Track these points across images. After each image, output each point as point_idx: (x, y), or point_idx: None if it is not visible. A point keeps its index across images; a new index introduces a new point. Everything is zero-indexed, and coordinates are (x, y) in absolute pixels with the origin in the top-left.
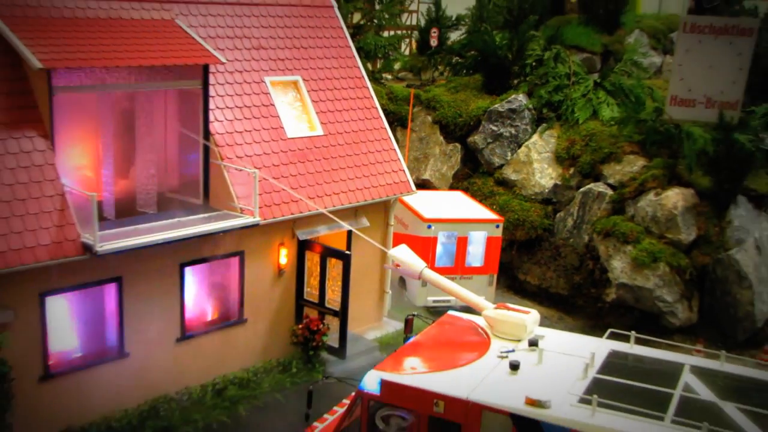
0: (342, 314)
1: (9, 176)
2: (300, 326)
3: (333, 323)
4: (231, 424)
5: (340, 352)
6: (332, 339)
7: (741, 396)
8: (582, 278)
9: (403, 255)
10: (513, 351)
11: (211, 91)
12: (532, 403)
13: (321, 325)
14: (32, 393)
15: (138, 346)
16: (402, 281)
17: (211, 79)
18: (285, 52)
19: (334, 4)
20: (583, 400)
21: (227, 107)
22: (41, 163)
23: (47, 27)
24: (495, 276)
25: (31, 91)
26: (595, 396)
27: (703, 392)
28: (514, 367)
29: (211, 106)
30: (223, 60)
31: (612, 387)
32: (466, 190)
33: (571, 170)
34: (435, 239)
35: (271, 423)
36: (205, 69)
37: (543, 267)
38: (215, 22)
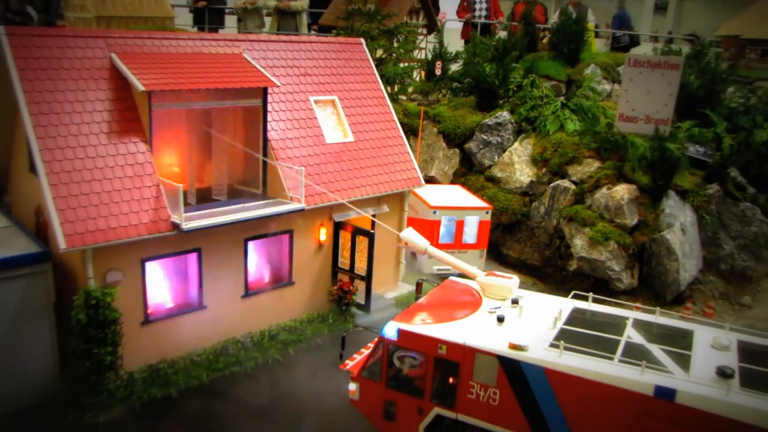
0: (367, 278)
1: (119, 171)
2: (335, 287)
3: (360, 286)
4: (283, 361)
5: (365, 307)
6: (360, 298)
7: (667, 340)
8: (551, 253)
9: (411, 236)
10: (499, 308)
11: (269, 108)
12: (514, 347)
13: (351, 287)
14: (136, 334)
15: (213, 301)
16: (413, 255)
17: (269, 99)
18: (325, 78)
19: (363, 42)
20: (553, 345)
21: (281, 120)
22: (142, 162)
23: (148, 59)
24: (485, 250)
25: (136, 108)
26: (562, 342)
27: (642, 338)
28: (500, 319)
29: (269, 119)
30: (278, 84)
31: (575, 335)
32: (463, 185)
33: (544, 170)
34: (439, 222)
35: (313, 361)
36: (264, 91)
37: (521, 244)
38: (273, 55)
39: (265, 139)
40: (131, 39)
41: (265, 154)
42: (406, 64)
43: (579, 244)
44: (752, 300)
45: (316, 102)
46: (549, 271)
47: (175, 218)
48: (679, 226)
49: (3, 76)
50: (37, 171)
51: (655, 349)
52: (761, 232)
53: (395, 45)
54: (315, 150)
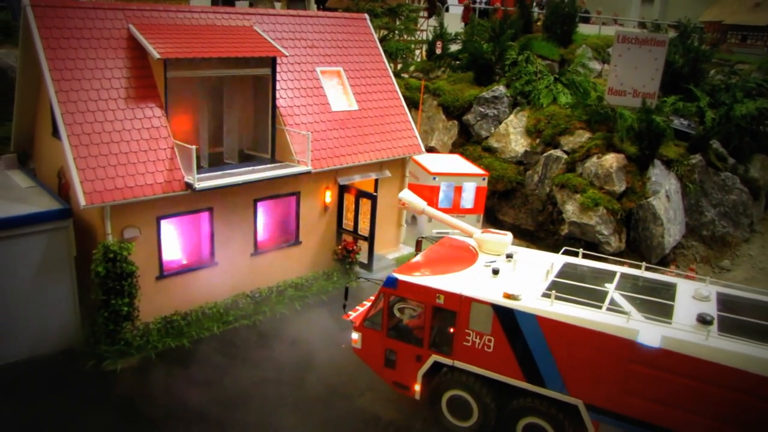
0: (370, 239)
1: (136, 134)
2: (339, 247)
3: (363, 246)
4: (289, 315)
5: (368, 266)
6: (362, 257)
7: (652, 292)
8: (544, 218)
9: (409, 196)
10: (495, 262)
11: (278, 77)
12: (508, 296)
13: (355, 247)
14: (151, 288)
15: (224, 258)
16: (414, 218)
17: (278, 68)
18: (331, 50)
19: (367, 17)
20: (544, 295)
21: (289, 89)
22: (158, 126)
23: (163, 30)
24: (482, 215)
25: (152, 75)
26: (554, 291)
27: (629, 290)
28: (495, 272)
29: (277, 87)
30: (287, 54)
31: (566, 287)
32: (461, 154)
33: (537, 140)
34: (438, 187)
35: (318, 315)
36: (273, 60)
37: (516, 210)
38: (281, 28)
39: (274, 106)
40: (147, 11)
41: (274, 121)
42: (411, 38)
43: (570, 209)
44: (731, 264)
45: (322, 72)
46: (542, 236)
47: (188, 179)
48: (665, 193)
49: (27, 46)
50: (59, 134)
51: (641, 299)
52: (740, 200)
53: (397, 23)
54: (321, 117)
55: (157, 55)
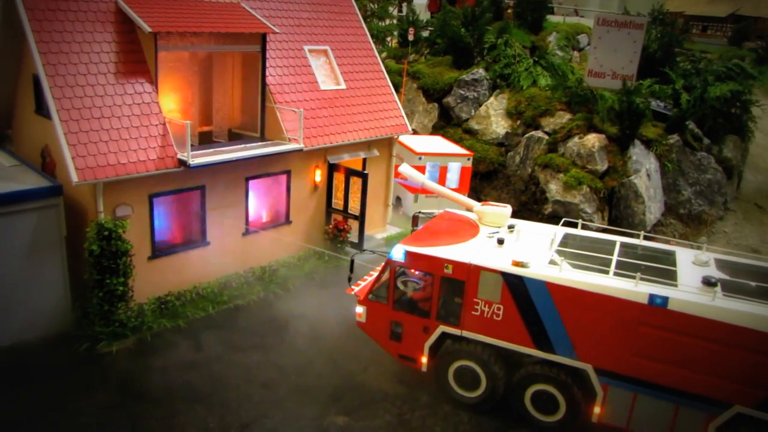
0: (361, 217)
1: (127, 110)
2: (330, 226)
3: (353, 225)
4: (282, 294)
5: (359, 245)
6: (353, 236)
7: (653, 259)
8: (527, 198)
9: (409, 170)
10: (498, 233)
11: (267, 55)
12: (517, 264)
13: (345, 226)
14: (144, 267)
15: (216, 237)
16: (398, 199)
17: (267, 46)
18: (318, 29)
19: None
20: (552, 262)
21: (278, 66)
22: (149, 102)
23: (152, 4)
24: (466, 195)
25: (141, 50)
26: (562, 258)
27: (631, 256)
28: (500, 242)
29: (267, 65)
30: (277, 30)
31: (571, 255)
32: (443, 136)
33: (518, 122)
34: (424, 168)
35: (312, 293)
36: (263, 37)
37: (499, 191)
38: (270, 6)
39: (264, 84)
40: None
41: (263, 98)
42: (387, 23)
43: (554, 188)
44: (707, 240)
45: (310, 51)
46: (525, 216)
47: (182, 155)
48: (645, 172)
49: (8, 20)
50: (47, 109)
51: (644, 265)
52: (715, 179)
53: (375, 7)
54: (310, 96)
55: (148, 29)
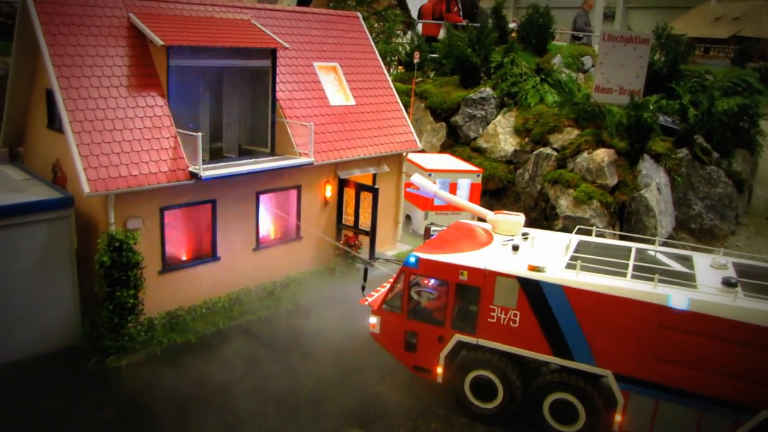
0: (372, 232)
1: (139, 122)
2: (341, 242)
3: (364, 241)
4: (293, 309)
5: (371, 258)
6: (363, 252)
7: (671, 262)
8: (537, 214)
9: (422, 180)
10: (512, 240)
11: (277, 71)
12: (533, 268)
13: (356, 242)
14: (155, 281)
15: (226, 252)
16: (408, 218)
17: (277, 62)
18: (327, 46)
19: (360, 15)
20: (569, 266)
21: (288, 82)
22: (160, 114)
23: (164, 20)
24: None
25: (153, 64)
26: (579, 262)
27: (648, 261)
28: (515, 248)
29: (277, 80)
30: (287, 46)
31: (586, 260)
32: (452, 155)
33: (527, 139)
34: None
35: (324, 308)
36: (274, 52)
37: (508, 208)
38: (279, 23)
39: (274, 99)
40: (147, 1)
41: (274, 113)
42: (395, 41)
43: (564, 204)
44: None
45: (319, 67)
46: None
47: (193, 168)
48: (655, 186)
49: (23, 35)
50: (60, 122)
51: (662, 268)
52: (725, 193)
53: (384, 26)
54: (320, 111)
55: (161, 42)
